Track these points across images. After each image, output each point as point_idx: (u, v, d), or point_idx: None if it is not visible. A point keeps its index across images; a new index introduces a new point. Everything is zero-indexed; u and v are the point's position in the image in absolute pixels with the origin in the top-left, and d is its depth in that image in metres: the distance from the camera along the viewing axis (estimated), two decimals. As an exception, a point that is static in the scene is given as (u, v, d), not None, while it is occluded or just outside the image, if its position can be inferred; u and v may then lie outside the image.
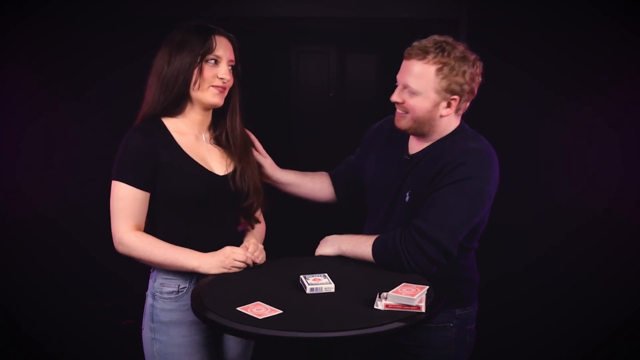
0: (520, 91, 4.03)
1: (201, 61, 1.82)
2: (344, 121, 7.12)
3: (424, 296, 1.58)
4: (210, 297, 1.63)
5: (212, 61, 1.84)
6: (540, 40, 3.99)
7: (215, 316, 1.53)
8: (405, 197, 1.89)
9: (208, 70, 1.83)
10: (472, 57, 1.86)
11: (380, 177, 2.00)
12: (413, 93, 1.83)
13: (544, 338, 3.55)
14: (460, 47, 1.84)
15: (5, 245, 3.81)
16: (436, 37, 1.85)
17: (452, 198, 1.77)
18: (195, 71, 1.82)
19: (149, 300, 1.90)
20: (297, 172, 2.19)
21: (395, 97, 1.88)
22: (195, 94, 1.85)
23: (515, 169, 4.00)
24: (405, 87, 1.85)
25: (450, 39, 1.85)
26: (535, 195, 4.07)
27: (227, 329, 1.52)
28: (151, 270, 1.91)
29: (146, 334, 1.90)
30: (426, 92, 1.82)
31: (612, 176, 3.80)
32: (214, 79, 1.84)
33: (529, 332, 3.53)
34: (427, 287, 1.63)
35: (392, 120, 2.00)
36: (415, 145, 1.95)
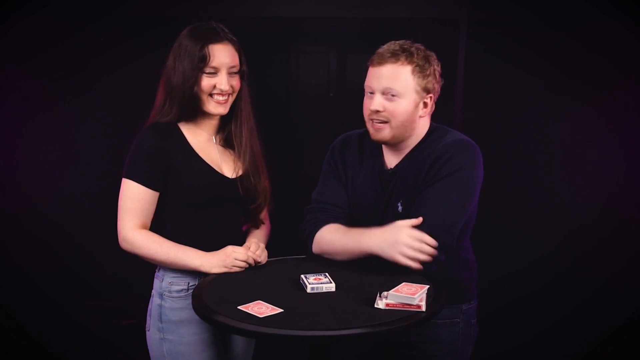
0: (520, 91, 4.03)
1: (199, 73, 1.81)
2: (344, 121, 7.12)
3: (424, 295, 1.58)
4: (212, 296, 1.64)
5: (210, 72, 1.83)
6: (540, 40, 3.99)
7: (216, 315, 1.53)
8: (398, 207, 1.87)
9: (205, 81, 1.82)
10: (434, 55, 1.87)
11: (365, 194, 1.95)
12: (395, 96, 1.81)
13: (545, 338, 3.55)
14: (422, 48, 1.86)
15: (5, 245, 3.81)
16: (395, 42, 1.85)
17: (442, 193, 1.77)
18: (196, 85, 1.82)
19: (155, 300, 1.90)
20: None
21: (376, 106, 1.82)
22: (200, 105, 1.86)
23: (515, 169, 4.02)
24: (385, 92, 1.82)
25: (408, 42, 1.86)
26: (536, 195, 4.07)
27: (228, 327, 1.52)
28: (157, 270, 1.91)
29: (153, 334, 1.89)
30: (408, 92, 1.81)
31: (613, 176, 3.80)
32: (213, 89, 1.84)
33: (530, 332, 3.53)
34: (428, 286, 1.64)
35: (353, 138, 1.98)
36: (392, 157, 1.92)
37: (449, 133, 1.89)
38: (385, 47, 1.85)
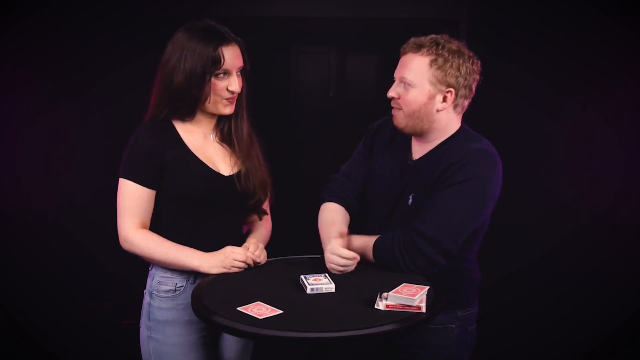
0: (520, 91, 4.03)
1: (211, 77, 1.80)
2: (344, 121, 7.12)
3: (424, 296, 1.57)
4: (211, 297, 1.64)
5: (222, 74, 1.82)
6: (540, 40, 4.00)
7: (215, 316, 1.53)
8: (408, 200, 1.88)
9: (218, 84, 1.82)
10: (469, 53, 1.86)
11: (383, 181, 1.98)
12: (409, 85, 1.83)
13: (545, 338, 3.55)
14: (456, 43, 1.85)
15: (5, 245, 3.81)
16: (433, 35, 1.86)
17: (453, 199, 1.76)
18: (206, 87, 1.81)
19: (146, 298, 1.91)
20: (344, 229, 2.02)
21: (391, 92, 1.87)
22: (207, 105, 1.85)
23: (515, 169, 4.00)
24: (401, 81, 1.85)
25: (446, 36, 1.86)
26: (536, 195, 4.07)
27: (227, 329, 1.52)
28: (150, 269, 1.92)
29: (143, 332, 1.90)
30: (421, 83, 1.81)
31: (613, 176, 3.80)
32: (224, 91, 1.83)
33: (530, 332, 3.53)
34: (428, 287, 1.63)
35: (390, 123, 1.98)
36: (418, 150, 1.93)
37: (476, 140, 1.88)
38: (418, 37, 1.85)
